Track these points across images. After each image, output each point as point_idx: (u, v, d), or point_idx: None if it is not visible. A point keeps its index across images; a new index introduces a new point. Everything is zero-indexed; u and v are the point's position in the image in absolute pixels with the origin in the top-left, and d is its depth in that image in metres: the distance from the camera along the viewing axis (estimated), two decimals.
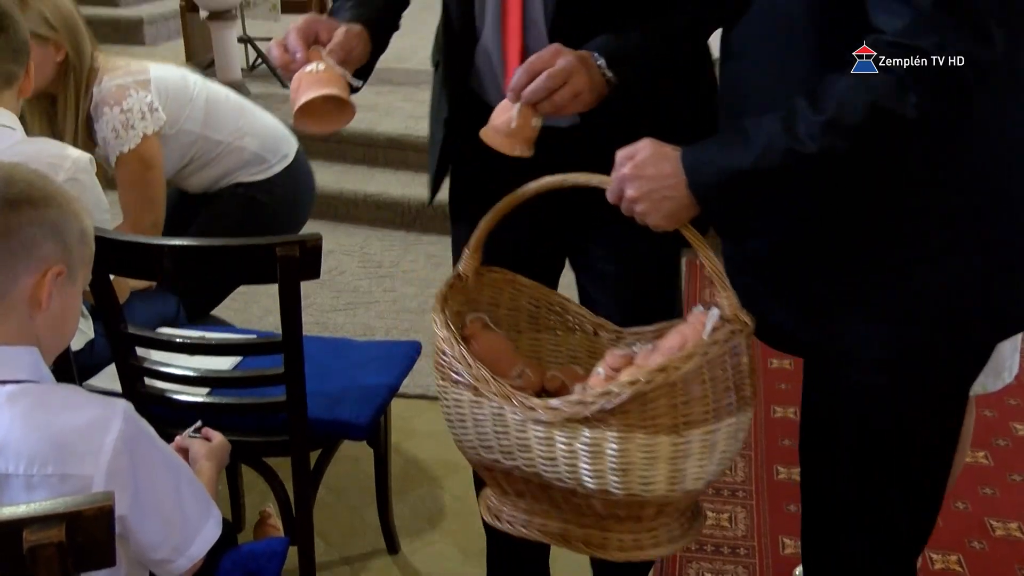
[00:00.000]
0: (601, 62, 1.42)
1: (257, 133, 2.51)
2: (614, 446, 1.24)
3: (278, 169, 2.54)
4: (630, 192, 1.29)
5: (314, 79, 1.46)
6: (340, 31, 1.51)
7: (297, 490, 1.87)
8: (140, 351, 1.86)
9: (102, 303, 1.78)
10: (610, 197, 1.33)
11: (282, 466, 1.91)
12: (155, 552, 1.24)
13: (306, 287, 1.73)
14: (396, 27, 1.67)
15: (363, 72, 1.58)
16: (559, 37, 1.45)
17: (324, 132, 1.52)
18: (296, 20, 1.54)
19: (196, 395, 1.87)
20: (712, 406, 1.26)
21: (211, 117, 2.43)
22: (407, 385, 2.20)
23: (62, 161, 1.79)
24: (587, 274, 1.76)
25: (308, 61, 1.47)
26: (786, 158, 1.19)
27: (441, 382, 1.41)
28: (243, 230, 2.18)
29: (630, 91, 1.46)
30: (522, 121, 1.39)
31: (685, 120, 1.55)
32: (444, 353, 1.38)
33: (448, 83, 1.67)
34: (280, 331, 1.73)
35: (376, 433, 2.08)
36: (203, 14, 5.28)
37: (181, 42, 5.49)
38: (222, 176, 2.50)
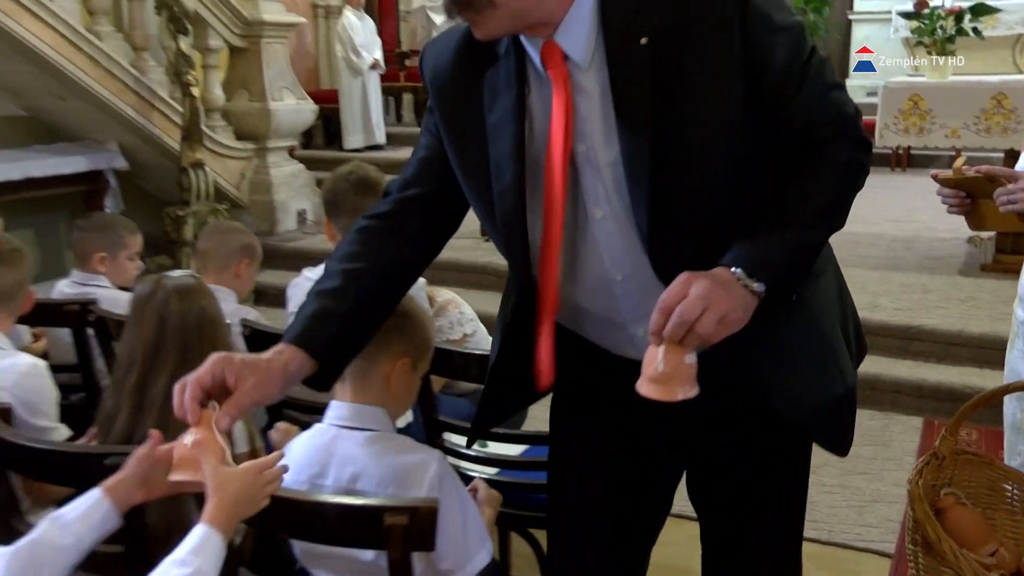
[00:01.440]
0: (739, 272, 1.31)
1: None
2: None
3: None
4: None
5: (178, 456, 1.35)
6: (247, 384, 1.32)
7: None
8: (445, 434, 2.41)
9: (422, 394, 2.34)
10: None
11: (544, 539, 2.34)
12: (442, 562, 1.71)
13: None
14: (367, 340, 1.58)
15: (325, 377, 1.51)
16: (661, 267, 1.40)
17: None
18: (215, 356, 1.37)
19: (485, 473, 2.38)
20: None
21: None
22: None
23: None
24: (704, 471, 1.75)
25: (194, 424, 1.34)
26: None
27: (912, 546, 1.52)
28: None
29: (784, 295, 1.38)
30: (674, 362, 1.26)
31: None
32: (916, 522, 1.48)
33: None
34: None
35: None
36: None
37: None
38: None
